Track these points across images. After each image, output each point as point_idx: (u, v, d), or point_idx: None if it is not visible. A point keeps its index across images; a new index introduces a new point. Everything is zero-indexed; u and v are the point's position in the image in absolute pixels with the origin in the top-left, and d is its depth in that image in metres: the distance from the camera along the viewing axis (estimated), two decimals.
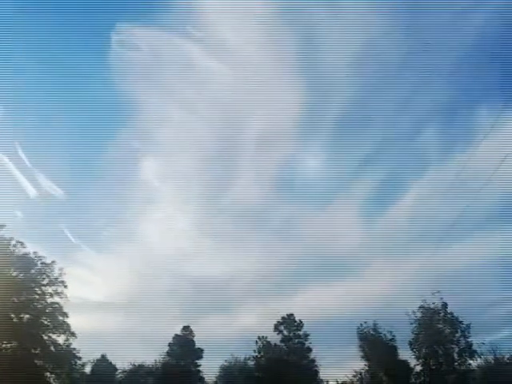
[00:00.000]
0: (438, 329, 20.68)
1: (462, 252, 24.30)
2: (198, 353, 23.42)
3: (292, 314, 22.89)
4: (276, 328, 22.62)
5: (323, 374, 21.68)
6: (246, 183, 32.81)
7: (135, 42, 26.84)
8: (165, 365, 22.21)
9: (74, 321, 19.05)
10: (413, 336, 20.66)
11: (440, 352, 20.37)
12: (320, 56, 28.42)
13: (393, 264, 25.17)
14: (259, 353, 22.37)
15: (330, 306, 24.13)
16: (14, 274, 18.64)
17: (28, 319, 18.52)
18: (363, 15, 25.98)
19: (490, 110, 26.64)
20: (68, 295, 19.34)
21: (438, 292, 20.56)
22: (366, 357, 21.13)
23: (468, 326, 20.45)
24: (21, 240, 18.90)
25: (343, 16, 26.56)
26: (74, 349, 19.07)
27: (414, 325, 20.74)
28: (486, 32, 25.33)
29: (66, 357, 18.79)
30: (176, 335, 23.46)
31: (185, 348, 23.19)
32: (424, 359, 20.47)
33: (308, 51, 28.77)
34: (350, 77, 28.90)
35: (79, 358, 19.46)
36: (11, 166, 30.13)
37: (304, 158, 32.32)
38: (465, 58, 27.35)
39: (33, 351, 18.12)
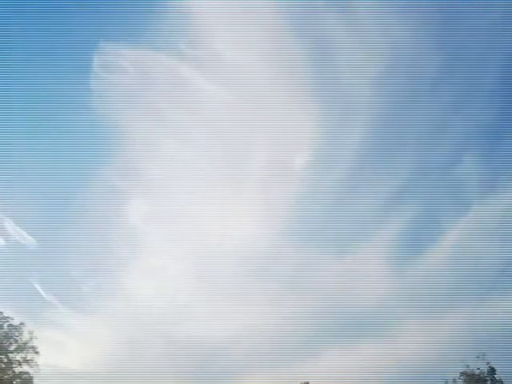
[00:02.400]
0: None
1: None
2: None
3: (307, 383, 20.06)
4: None
5: None
6: (249, 225, 29.96)
7: (120, 63, 24.81)
8: None
9: None
10: None
11: None
12: (334, 71, 26.20)
13: (428, 322, 22.11)
14: None
15: (351, 373, 20.91)
16: None
17: None
18: (384, 20, 23.64)
19: None
20: (39, 363, 17.30)
21: (484, 355, 17.85)
22: None
23: None
24: None
25: (359, 23, 24.23)
26: None
27: None
28: None
29: None
30: None
31: None
32: None
33: (319, 65, 26.55)
34: (375, 93, 26.47)
35: None
36: None
37: (319, 194, 29.54)
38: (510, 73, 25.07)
39: None
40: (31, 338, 17.29)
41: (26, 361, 17.13)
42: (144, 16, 23.27)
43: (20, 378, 17.14)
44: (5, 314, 17.25)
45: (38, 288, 27.19)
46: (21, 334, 17.35)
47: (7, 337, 17.21)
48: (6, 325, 17.17)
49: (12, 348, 17.17)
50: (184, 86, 25.52)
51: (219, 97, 25.45)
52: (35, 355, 17.21)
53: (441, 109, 24.91)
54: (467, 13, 22.80)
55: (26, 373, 17.18)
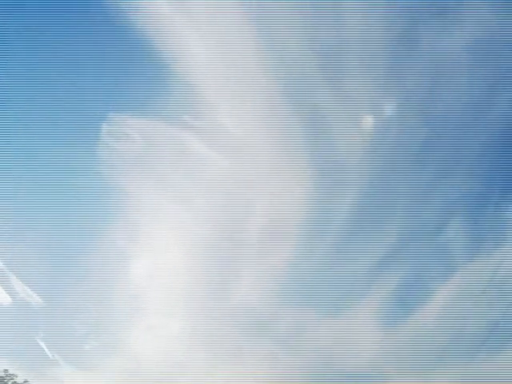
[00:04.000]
0: None
1: (499, 368, 21.88)
2: None
3: None
4: None
5: None
6: (246, 285, 30.79)
7: (127, 132, 26.57)
8: None
9: None
10: None
11: None
12: (326, 143, 27.95)
13: (417, 379, 22.52)
14: None
15: None
16: None
17: None
18: (372, 99, 25.73)
19: None
20: None
21: None
22: None
23: None
24: None
25: (348, 100, 26.33)
26: None
27: None
28: None
29: None
30: None
31: None
32: None
33: (312, 137, 28.28)
34: (364, 164, 28.14)
35: None
36: None
37: (313, 256, 30.60)
38: (495, 141, 26.85)
39: None
40: None
41: None
42: (151, 88, 25.10)
43: None
44: (9, 372, 17.42)
45: (43, 346, 27.57)
46: None
47: None
48: (10, 382, 17.30)
49: None
50: (187, 153, 27.15)
51: (219, 164, 27.03)
52: None
53: (427, 178, 26.40)
54: (450, 85, 24.88)
55: None
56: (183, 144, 27.14)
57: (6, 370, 17.50)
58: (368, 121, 25.22)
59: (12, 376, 17.45)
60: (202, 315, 30.67)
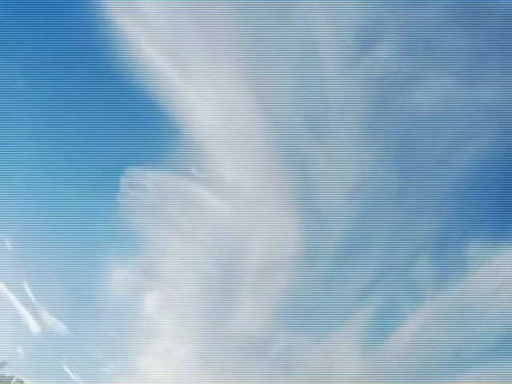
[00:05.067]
0: None
1: None
2: None
3: None
4: None
5: None
6: (245, 313, 33.96)
7: (143, 183, 30.05)
8: None
9: None
10: None
11: None
12: (315, 192, 31.43)
13: None
14: None
15: None
16: None
17: None
18: (353, 153, 29.18)
19: (481, 242, 28.66)
20: None
21: None
22: None
23: None
24: (21, 378, 19.60)
25: (332, 153, 29.85)
26: None
27: None
28: (478, 165, 28.26)
29: None
30: None
31: None
32: None
33: (302, 185, 31.78)
34: (346, 209, 31.59)
35: None
36: (16, 303, 31.45)
37: (303, 288, 33.88)
38: (457, 188, 30.01)
39: None
40: None
41: None
42: (163, 145, 28.43)
43: None
44: None
45: (67, 370, 30.36)
46: None
47: None
48: None
49: None
50: (193, 200, 30.57)
51: (221, 208, 30.44)
52: None
53: (400, 220, 29.60)
54: (419, 140, 28.23)
55: None
56: (190, 192, 30.73)
57: None
58: (349, 171, 28.77)
59: None
60: (206, 340, 33.71)
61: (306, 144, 29.15)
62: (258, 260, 34.23)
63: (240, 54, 28.03)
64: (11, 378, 19.62)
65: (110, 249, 33.43)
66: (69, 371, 32.26)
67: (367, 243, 30.74)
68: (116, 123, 29.00)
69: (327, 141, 28.83)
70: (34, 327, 31.97)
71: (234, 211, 31.62)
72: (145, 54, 27.75)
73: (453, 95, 25.82)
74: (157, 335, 34.70)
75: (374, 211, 30.21)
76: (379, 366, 28.64)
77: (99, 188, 30.88)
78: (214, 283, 33.61)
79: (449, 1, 25.00)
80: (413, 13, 25.37)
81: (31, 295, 32.44)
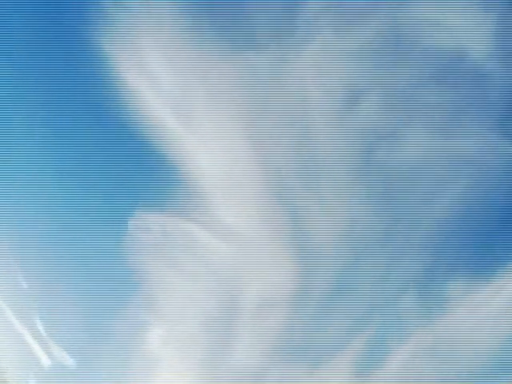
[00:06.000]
0: None
1: None
2: None
3: None
4: None
5: None
6: (244, 347, 35.64)
7: (149, 225, 32.16)
8: None
9: None
10: None
11: None
12: (308, 235, 33.39)
13: None
14: None
15: None
16: None
17: None
18: (344, 199, 31.30)
19: (461, 280, 30.35)
20: None
21: None
22: None
23: None
24: None
25: (324, 200, 32.08)
26: None
27: None
28: (456, 208, 30.29)
29: None
30: None
31: None
32: None
33: (296, 229, 33.78)
34: (337, 251, 33.64)
35: None
36: (29, 337, 33.13)
37: (297, 323, 35.66)
38: (440, 228, 32.00)
39: None
40: None
41: None
42: (167, 190, 30.62)
43: None
44: None
45: None
46: None
47: None
48: None
49: None
50: (194, 241, 32.68)
51: (221, 250, 32.48)
52: None
53: (386, 258, 31.55)
54: (401, 188, 30.40)
55: None
56: (191, 234, 32.91)
57: None
58: (339, 216, 30.91)
59: None
60: (206, 374, 35.27)
61: (298, 191, 31.40)
62: (255, 298, 36.00)
63: (239, 107, 30.50)
64: None
65: (116, 286, 35.39)
66: None
67: (356, 282, 32.63)
68: (124, 170, 31.24)
69: (318, 188, 31.12)
70: (46, 361, 33.65)
71: (233, 252, 33.69)
72: (150, 106, 30.20)
73: (432, 146, 28.18)
74: (160, 369, 36.29)
75: (362, 253, 32.20)
76: None
77: (108, 230, 33.01)
78: (214, 320, 35.35)
79: (427, 60, 27.53)
80: (395, 71, 27.91)
81: (42, 330, 34.31)
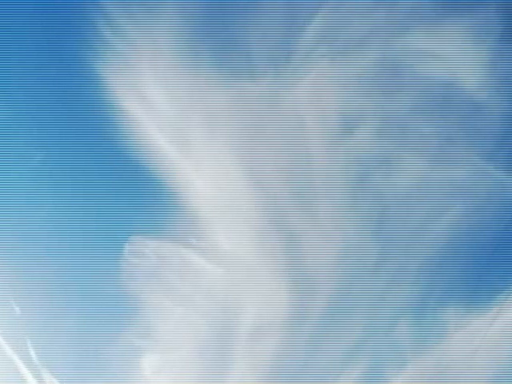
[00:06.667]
0: None
1: None
2: None
3: None
4: None
5: None
6: (239, 371, 35.41)
7: (144, 251, 32.13)
8: None
9: None
10: None
11: None
12: (303, 260, 33.44)
13: None
14: None
15: None
16: None
17: None
18: (339, 224, 31.39)
19: (456, 308, 30.45)
20: None
21: None
22: None
23: None
24: None
25: (319, 226, 32.21)
26: None
27: None
28: (452, 235, 30.57)
29: None
30: None
31: None
32: None
33: (291, 254, 33.65)
34: (332, 276, 33.70)
35: None
36: (20, 364, 32.57)
37: (292, 348, 35.49)
38: (432, 258, 32.31)
39: None
40: None
41: None
42: (162, 216, 30.47)
43: None
44: None
45: None
46: None
47: None
48: None
49: None
50: (190, 266, 32.50)
51: (217, 274, 32.30)
52: None
53: (380, 287, 31.60)
54: (396, 208, 30.66)
55: None
56: (187, 259, 32.75)
57: None
58: (334, 241, 31.02)
59: None
60: None
61: (294, 216, 31.47)
62: (251, 323, 35.84)
63: (236, 133, 30.58)
64: None
65: (111, 311, 34.98)
66: None
67: (351, 307, 32.66)
68: (119, 195, 30.94)
69: (313, 213, 31.17)
70: None
71: (229, 277, 33.58)
72: (146, 131, 29.94)
73: (425, 174, 28.40)
74: None
75: (357, 278, 32.27)
76: None
77: (103, 255, 32.76)
78: (209, 345, 35.10)
79: (422, 89, 27.96)
80: (389, 101, 28.32)
81: (34, 356, 33.78)
